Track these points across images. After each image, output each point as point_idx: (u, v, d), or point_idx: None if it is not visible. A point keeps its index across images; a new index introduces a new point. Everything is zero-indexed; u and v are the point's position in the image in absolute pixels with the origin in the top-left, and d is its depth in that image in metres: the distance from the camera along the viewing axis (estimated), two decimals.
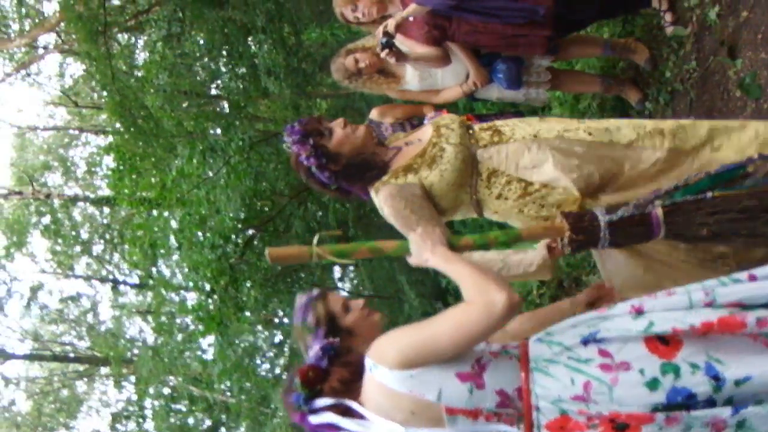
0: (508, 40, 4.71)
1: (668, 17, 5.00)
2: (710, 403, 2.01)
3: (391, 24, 4.45)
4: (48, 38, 14.56)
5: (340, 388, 2.28)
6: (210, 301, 9.38)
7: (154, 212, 10.37)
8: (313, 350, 2.39)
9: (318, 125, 3.17)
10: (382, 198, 3.11)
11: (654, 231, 2.61)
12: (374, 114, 5.30)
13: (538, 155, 3.04)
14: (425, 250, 2.37)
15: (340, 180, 3.18)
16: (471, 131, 3.20)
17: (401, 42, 4.75)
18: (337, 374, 2.29)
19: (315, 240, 2.32)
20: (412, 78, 4.96)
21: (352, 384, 2.29)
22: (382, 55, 4.56)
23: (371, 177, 3.19)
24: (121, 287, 20.19)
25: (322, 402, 2.26)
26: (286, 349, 12.97)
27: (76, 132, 20.72)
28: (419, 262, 2.42)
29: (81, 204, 19.88)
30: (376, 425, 2.20)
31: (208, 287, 9.32)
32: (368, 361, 2.22)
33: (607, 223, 2.60)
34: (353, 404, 2.23)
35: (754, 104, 4.29)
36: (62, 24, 11.93)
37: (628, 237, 2.66)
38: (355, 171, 3.17)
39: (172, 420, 15.36)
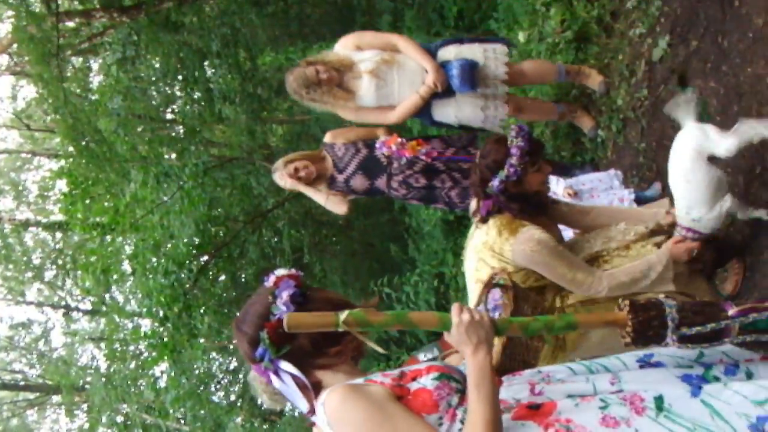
0: None
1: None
2: None
3: None
4: (0, 60, 14.36)
5: (308, 348, 2.18)
6: (163, 328, 9.23)
7: (108, 238, 10.21)
8: (281, 300, 2.19)
9: (542, 153, 3.54)
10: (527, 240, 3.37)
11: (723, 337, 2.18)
12: (328, 137, 5.31)
13: None
14: (466, 345, 2.08)
15: (503, 193, 3.47)
16: None
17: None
18: (305, 335, 2.15)
19: (342, 315, 2.04)
20: (367, 92, 4.90)
21: (323, 346, 2.18)
22: None
23: (522, 210, 3.51)
24: (74, 314, 19.82)
25: (286, 367, 2.15)
26: (240, 376, 12.80)
27: (29, 155, 20.44)
28: (457, 344, 2.13)
29: (33, 229, 19.57)
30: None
31: (161, 314, 9.17)
32: (320, 411, 2.09)
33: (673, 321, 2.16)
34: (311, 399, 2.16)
35: None
36: (14, 46, 11.75)
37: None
38: (520, 200, 3.49)
39: None
